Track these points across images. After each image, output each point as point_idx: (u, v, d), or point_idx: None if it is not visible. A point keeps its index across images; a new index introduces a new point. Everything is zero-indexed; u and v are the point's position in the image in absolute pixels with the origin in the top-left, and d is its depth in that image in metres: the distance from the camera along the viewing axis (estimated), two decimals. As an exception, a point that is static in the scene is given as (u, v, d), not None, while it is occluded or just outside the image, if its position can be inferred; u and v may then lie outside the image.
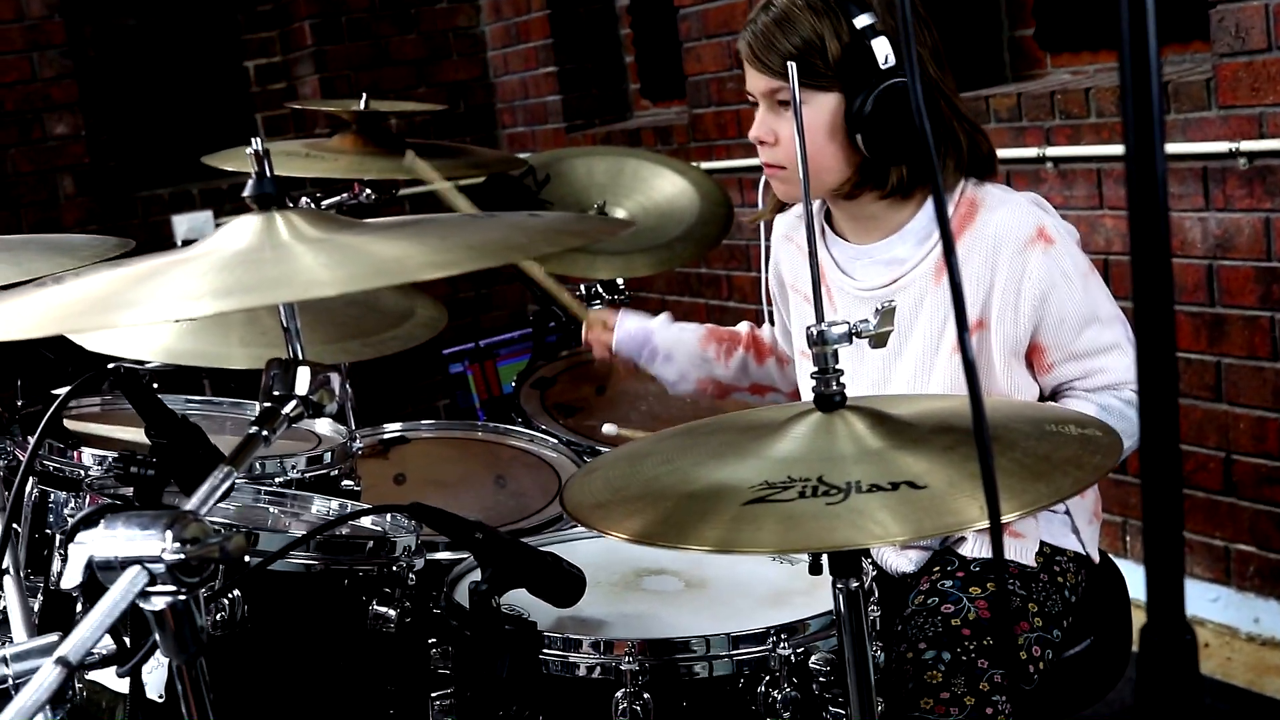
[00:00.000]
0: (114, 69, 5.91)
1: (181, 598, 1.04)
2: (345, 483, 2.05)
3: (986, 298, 1.96)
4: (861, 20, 1.90)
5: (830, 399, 1.36)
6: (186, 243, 5.16)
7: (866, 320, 1.38)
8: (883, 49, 1.90)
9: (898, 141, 1.94)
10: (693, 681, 1.59)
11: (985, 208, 1.98)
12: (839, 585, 1.36)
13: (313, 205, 3.10)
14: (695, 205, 3.18)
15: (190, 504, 1.12)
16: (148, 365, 2.52)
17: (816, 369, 1.37)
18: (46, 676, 0.98)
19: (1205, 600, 3.61)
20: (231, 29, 6.15)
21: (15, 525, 1.75)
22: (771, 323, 2.44)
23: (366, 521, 1.80)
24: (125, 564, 1.04)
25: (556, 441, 2.59)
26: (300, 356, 1.28)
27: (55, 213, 5.60)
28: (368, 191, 3.07)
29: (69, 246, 1.98)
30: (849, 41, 1.92)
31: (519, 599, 1.66)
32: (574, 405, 2.83)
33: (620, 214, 3.21)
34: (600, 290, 3.18)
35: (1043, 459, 1.25)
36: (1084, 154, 3.55)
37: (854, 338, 1.36)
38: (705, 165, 4.78)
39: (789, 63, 1.41)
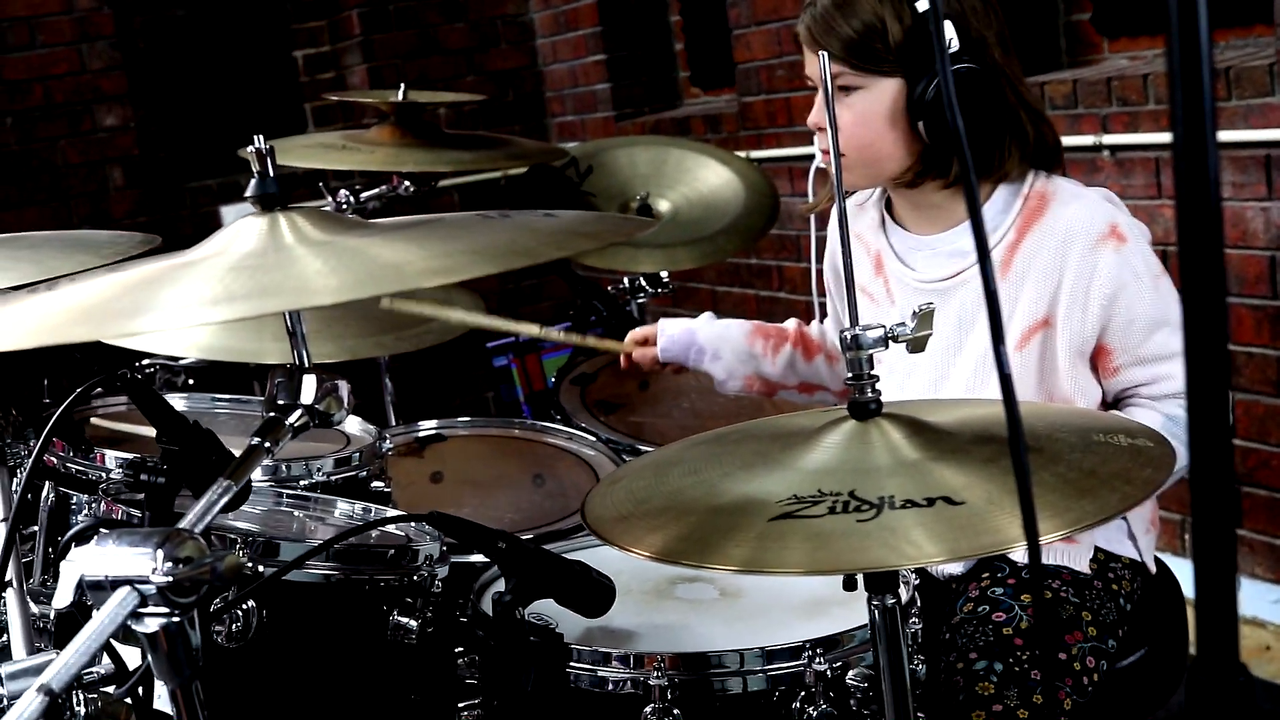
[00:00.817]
0: (163, 60, 5.90)
1: (175, 620, 0.99)
2: (375, 484, 2.00)
3: (1054, 295, 1.88)
4: (924, 3, 1.83)
5: (865, 406, 1.29)
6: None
7: (903, 323, 1.31)
8: (947, 32, 1.83)
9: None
10: (725, 697, 1.53)
11: (1057, 202, 1.90)
12: (874, 602, 1.30)
13: (352, 199, 3.06)
14: (740, 196, 3.11)
15: (185, 521, 1.07)
16: (182, 362, 2.50)
17: (851, 375, 1.30)
18: (28, 706, 0.93)
19: (1267, 601, 3.50)
20: (280, 19, 6.12)
21: (24, 528, 1.72)
22: (823, 316, 2.38)
23: (390, 526, 1.75)
24: (115, 584, 0.99)
25: (595, 439, 2.53)
26: (306, 363, 1.23)
27: (105, 204, 5.60)
28: (406, 184, 3.04)
29: (92, 244, 1.94)
30: (911, 25, 1.85)
31: (547, 607, 1.61)
32: (615, 402, 2.77)
33: (664, 205, 3.15)
34: (644, 284, 3.12)
35: (1089, 473, 1.18)
36: (1142, 142, 3.45)
37: (890, 341, 1.30)
38: (755, 154, 4.71)
39: (822, 53, 1.33)
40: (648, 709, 1.51)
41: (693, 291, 5.33)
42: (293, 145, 3.03)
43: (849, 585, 1.36)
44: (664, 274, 3.13)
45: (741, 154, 4.45)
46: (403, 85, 2.98)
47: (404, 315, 2.35)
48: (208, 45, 6.00)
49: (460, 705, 1.64)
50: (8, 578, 1.34)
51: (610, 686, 1.54)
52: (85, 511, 1.52)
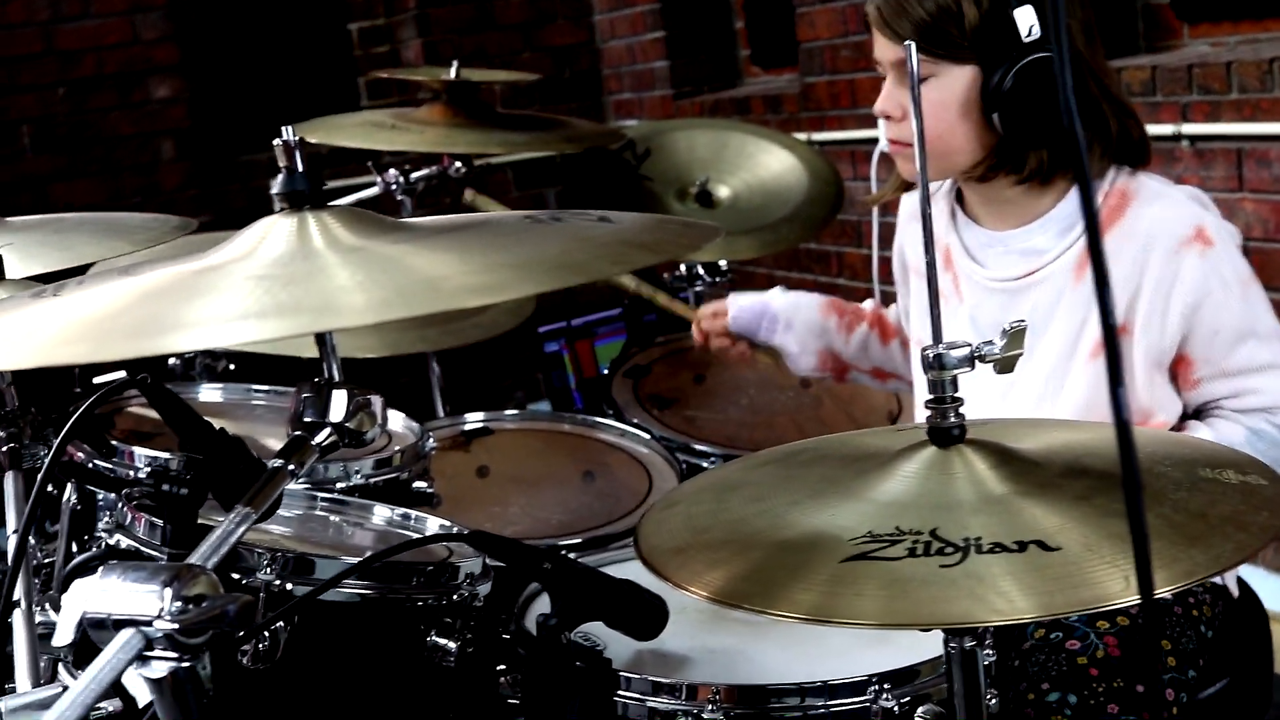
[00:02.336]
0: (216, 31, 5.84)
1: (184, 665, 0.89)
2: (417, 484, 1.90)
3: (1132, 301, 1.76)
4: None
5: (947, 433, 1.18)
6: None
7: (991, 342, 1.19)
8: (1027, 19, 1.71)
9: (1039, 122, 1.74)
10: (781, 731, 1.43)
11: (1138, 201, 1.78)
12: (952, 646, 1.19)
13: (401, 179, 2.97)
14: (803, 183, 3.00)
15: (197, 555, 0.98)
16: (218, 350, 2.42)
17: (932, 396, 1.19)
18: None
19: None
20: (336, -10, 6.05)
21: (50, 525, 1.64)
22: (890, 303, 2.28)
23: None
24: (119, 625, 0.90)
25: (649, 437, 2.43)
26: (336, 378, 1.13)
27: (156, 177, 5.55)
28: (458, 165, 2.94)
29: (125, 228, 1.86)
30: (988, 9, 1.73)
31: (594, 627, 1.51)
32: (669, 397, 2.66)
33: (723, 191, 3.04)
34: (701, 272, 3.02)
35: (1197, 516, 1.06)
36: (1223, 132, 3.31)
37: (977, 361, 1.18)
38: (816, 136, 4.59)
39: (908, 42, 1.22)
40: (700, 743, 1.41)
41: (749, 276, 5.22)
42: (341, 124, 2.94)
43: (926, 627, 1.25)
44: (723, 263, 3.02)
45: (802, 136, 4.33)
46: (455, 63, 2.88)
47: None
48: (261, 17, 5.93)
49: (502, 726, 1.55)
50: (16, 596, 1.26)
51: (661, 718, 1.44)
52: (106, 520, 1.44)
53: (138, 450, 1.73)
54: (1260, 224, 3.28)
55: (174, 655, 0.89)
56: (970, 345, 1.18)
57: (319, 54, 6.03)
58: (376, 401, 1.13)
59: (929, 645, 1.50)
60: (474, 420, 2.49)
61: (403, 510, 1.69)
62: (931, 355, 1.18)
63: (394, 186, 3.00)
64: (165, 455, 1.72)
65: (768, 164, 3.05)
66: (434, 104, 2.88)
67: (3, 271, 1.52)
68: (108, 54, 5.47)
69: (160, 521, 1.41)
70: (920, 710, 1.42)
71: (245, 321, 0.92)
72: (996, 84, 1.74)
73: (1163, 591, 0.97)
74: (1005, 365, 1.20)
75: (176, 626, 0.87)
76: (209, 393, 2.08)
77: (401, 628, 1.44)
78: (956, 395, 1.19)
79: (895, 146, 1.90)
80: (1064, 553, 1.02)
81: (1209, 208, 1.80)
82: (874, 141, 4.47)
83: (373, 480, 1.81)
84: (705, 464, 2.43)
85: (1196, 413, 1.84)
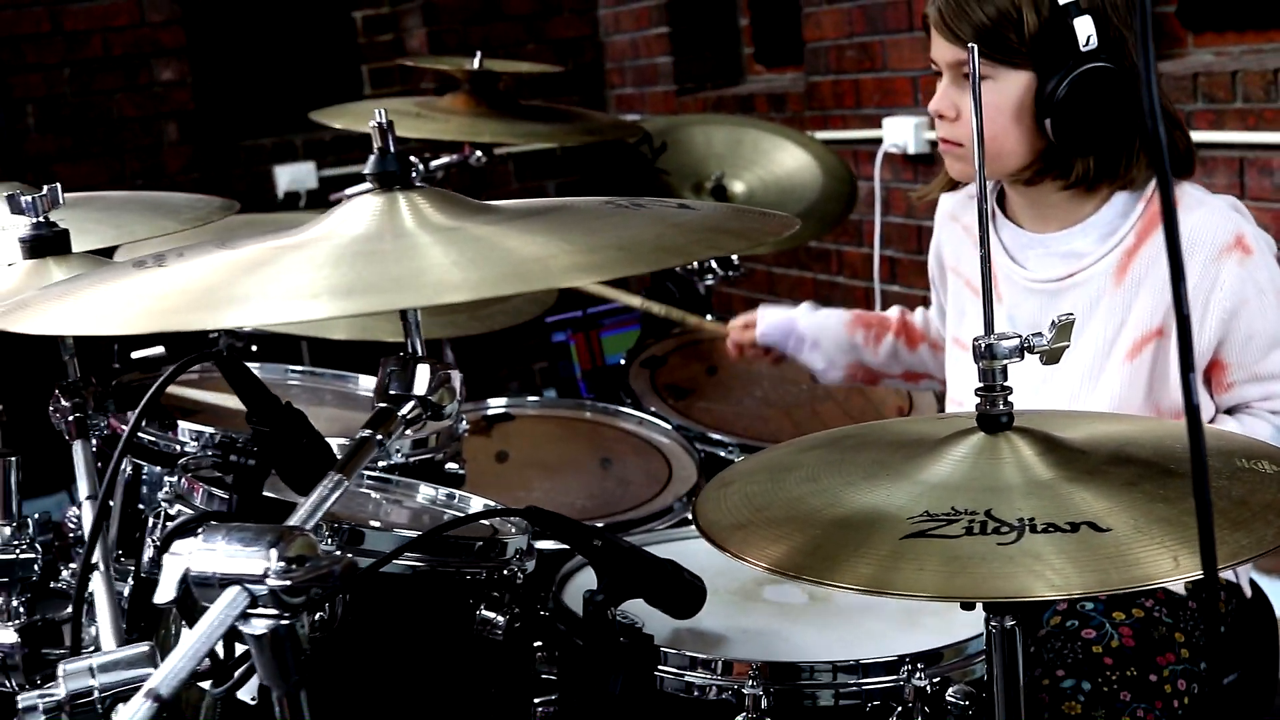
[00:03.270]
0: (221, 16, 5.86)
1: (284, 622, 0.94)
2: (449, 465, 1.95)
3: (1170, 304, 1.81)
4: None
5: (996, 419, 1.23)
6: (289, 195, 5.06)
7: (1040, 334, 1.24)
8: (1085, 29, 1.76)
9: (1089, 131, 1.79)
10: (818, 709, 1.47)
11: (1181, 208, 1.82)
12: (993, 624, 1.24)
13: (421, 166, 3.01)
14: (818, 181, 3.05)
15: (296, 518, 1.02)
16: (245, 330, 2.45)
17: (982, 385, 1.24)
18: (136, 712, 0.88)
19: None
20: (341, -22, 6.08)
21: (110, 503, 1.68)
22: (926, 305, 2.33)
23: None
24: (225, 583, 0.94)
25: (668, 426, 2.47)
26: (420, 352, 1.17)
27: (159, 159, 5.57)
28: (478, 154, 2.98)
29: (171, 207, 1.89)
30: (1048, 17, 1.77)
31: (632, 606, 1.55)
32: (685, 387, 2.71)
33: (738, 187, 3.09)
34: (714, 265, 3.06)
35: (1239, 503, 1.11)
36: (1227, 140, 3.36)
37: (1026, 352, 1.23)
38: (820, 135, 4.64)
39: (970, 45, 1.26)
40: (739, 718, 1.45)
41: (749, 272, 5.27)
42: (365, 110, 2.97)
43: (967, 605, 1.30)
44: (734, 257, 3.07)
45: (806, 134, 4.38)
46: (478, 53, 2.92)
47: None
48: (266, 3, 5.95)
49: (536, 701, 1.59)
50: (95, 560, 1.30)
51: (700, 693, 1.48)
52: (165, 489, 1.48)
53: (184, 424, 1.77)
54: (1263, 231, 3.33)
55: (276, 613, 0.94)
56: (1020, 336, 1.23)
57: (323, 41, 6.06)
58: (456, 377, 1.18)
59: (959, 629, 1.55)
60: (496, 405, 2.54)
61: (446, 490, 1.73)
62: (983, 345, 1.23)
63: (414, 174, 3.03)
64: (209, 430, 1.76)
65: (782, 160, 3.10)
66: (456, 94, 2.92)
67: (69, 245, 1.56)
68: (114, 36, 5.48)
69: (219, 492, 1.45)
70: (951, 690, 1.47)
71: (348, 297, 0.96)
72: (1051, 91, 1.78)
73: (1223, 568, 1.02)
74: (1052, 356, 1.24)
75: (287, 583, 0.91)
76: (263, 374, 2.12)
77: (452, 601, 1.48)
78: (1006, 384, 1.24)
79: (946, 145, 1.93)
80: (1114, 534, 1.07)
81: (1247, 217, 1.85)
82: (877, 141, 4.52)
83: (411, 459, 1.86)
84: (722, 453, 2.48)
85: (1228, 412, 1.89)
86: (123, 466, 1.60)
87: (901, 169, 4.44)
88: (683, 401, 2.67)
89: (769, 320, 2.37)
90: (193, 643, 0.91)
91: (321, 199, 5.65)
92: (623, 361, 2.79)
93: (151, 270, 1.06)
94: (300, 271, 1.01)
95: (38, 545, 1.58)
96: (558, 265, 0.94)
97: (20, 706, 1.09)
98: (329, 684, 1.42)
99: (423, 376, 1.14)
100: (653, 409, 2.56)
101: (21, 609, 1.58)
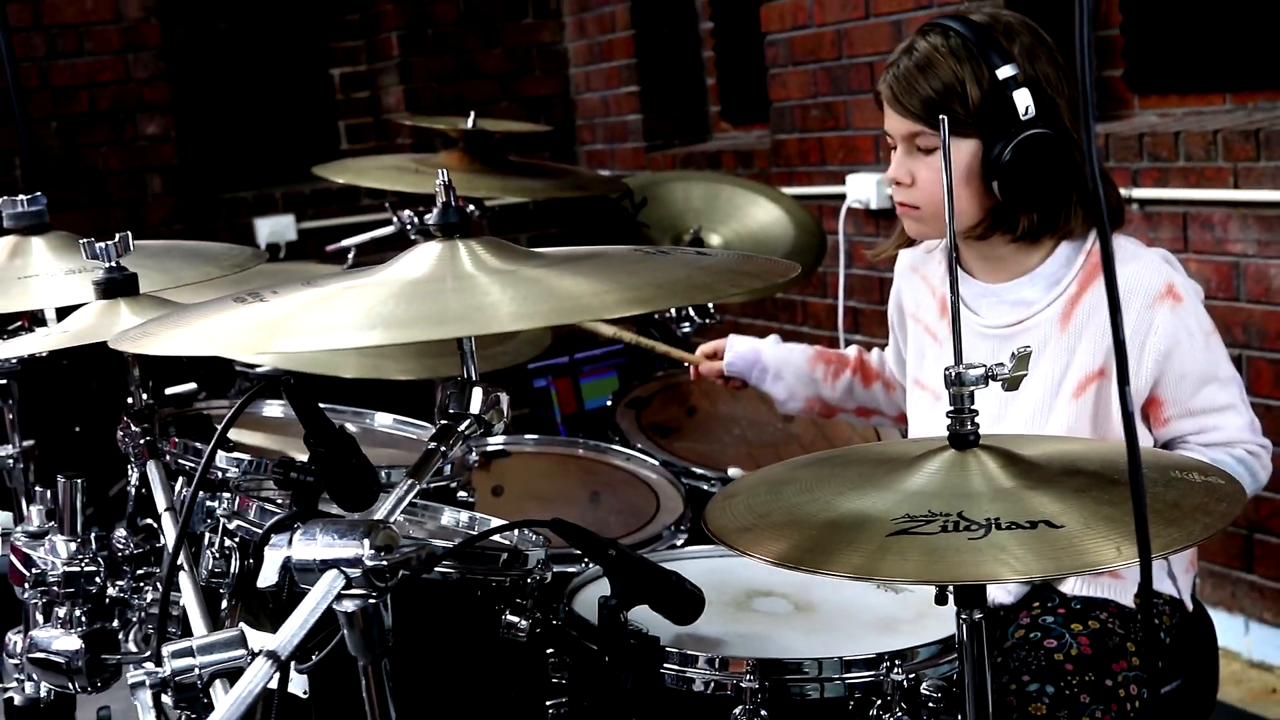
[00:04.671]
0: (204, 72, 6.04)
1: (372, 601, 1.11)
2: (460, 494, 2.12)
3: (1111, 348, 2.00)
4: (1004, 71, 1.95)
5: (965, 438, 1.42)
6: (269, 247, 5.22)
7: (1003, 364, 1.43)
8: (1023, 100, 1.95)
9: (1031, 190, 1.99)
10: (804, 702, 1.65)
11: (1118, 260, 2.02)
12: (964, 616, 1.42)
13: (416, 219, 3.19)
14: (789, 234, 3.25)
15: (380, 513, 1.20)
16: (258, 369, 2.62)
17: (953, 408, 1.43)
18: (259, 669, 1.05)
19: (1274, 646, 3.63)
20: (318, 37, 6.27)
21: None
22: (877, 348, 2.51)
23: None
24: (325, 567, 1.11)
25: (655, 462, 2.65)
26: (475, 377, 1.35)
27: (143, 211, 5.70)
28: (471, 207, 3.16)
29: (210, 255, 2.07)
30: (989, 89, 1.97)
31: (637, 614, 1.72)
32: (669, 426, 2.90)
33: (715, 239, 3.28)
34: (691, 313, 3.25)
35: (1173, 505, 1.31)
36: (1171, 197, 3.58)
37: (990, 380, 1.42)
38: (786, 191, 4.83)
39: (940, 116, 1.46)
40: (737, 710, 1.63)
41: (719, 321, 5.46)
42: (367, 166, 3.16)
43: (940, 600, 1.48)
44: (710, 306, 3.26)
45: (778, 190, 4.59)
46: (472, 113, 3.11)
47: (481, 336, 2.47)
48: (247, 60, 6.14)
49: (549, 703, 1.77)
50: (179, 562, 1.46)
51: (700, 686, 1.66)
52: (223, 505, 1.64)
53: (221, 452, 1.93)
54: (1203, 283, 3.54)
55: (363, 593, 1.11)
56: (985, 365, 1.42)
57: (302, 98, 6.25)
58: (504, 399, 1.36)
59: (931, 633, 1.74)
60: (494, 443, 2.71)
61: (468, 513, 1.91)
62: (953, 373, 1.42)
63: (409, 226, 3.21)
64: (245, 457, 1.92)
65: (755, 215, 3.30)
66: (451, 150, 3.11)
67: (138, 288, 1.73)
68: (100, 91, 5.64)
69: (271, 507, 1.62)
70: (925, 684, 1.65)
71: (417, 326, 1.15)
72: (997, 156, 1.98)
73: (1158, 555, 1.21)
74: (1012, 384, 1.43)
75: (383, 564, 1.09)
76: (270, 409, 2.29)
77: (479, 606, 1.65)
78: (973, 408, 1.43)
79: (904, 208, 2.13)
80: (1067, 530, 1.26)
81: (1177, 268, 2.05)
82: (841, 198, 4.74)
83: (429, 485, 2.02)
84: (705, 486, 2.66)
85: (1165, 447, 2.08)
86: (179, 490, 1.76)
87: (864, 223, 4.65)
88: (666, 439, 2.85)
89: (736, 350, 2.54)
90: (303, 615, 1.08)
91: (300, 251, 5.81)
92: (609, 403, 2.97)
93: (251, 304, 1.24)
94: (375, 305, 1.19)
95: (99, 559, 1.75)
96: (610, 300, 1.12)
97: (130, 683, 1.25)
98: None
99: (477, 398, 1.32)
100: (639, 446, 2.74)
101: (84, 618, 1.74)
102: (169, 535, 1.53)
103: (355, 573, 1.10)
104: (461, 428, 1.31)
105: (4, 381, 2.37)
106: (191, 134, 5.91)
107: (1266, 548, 3.59)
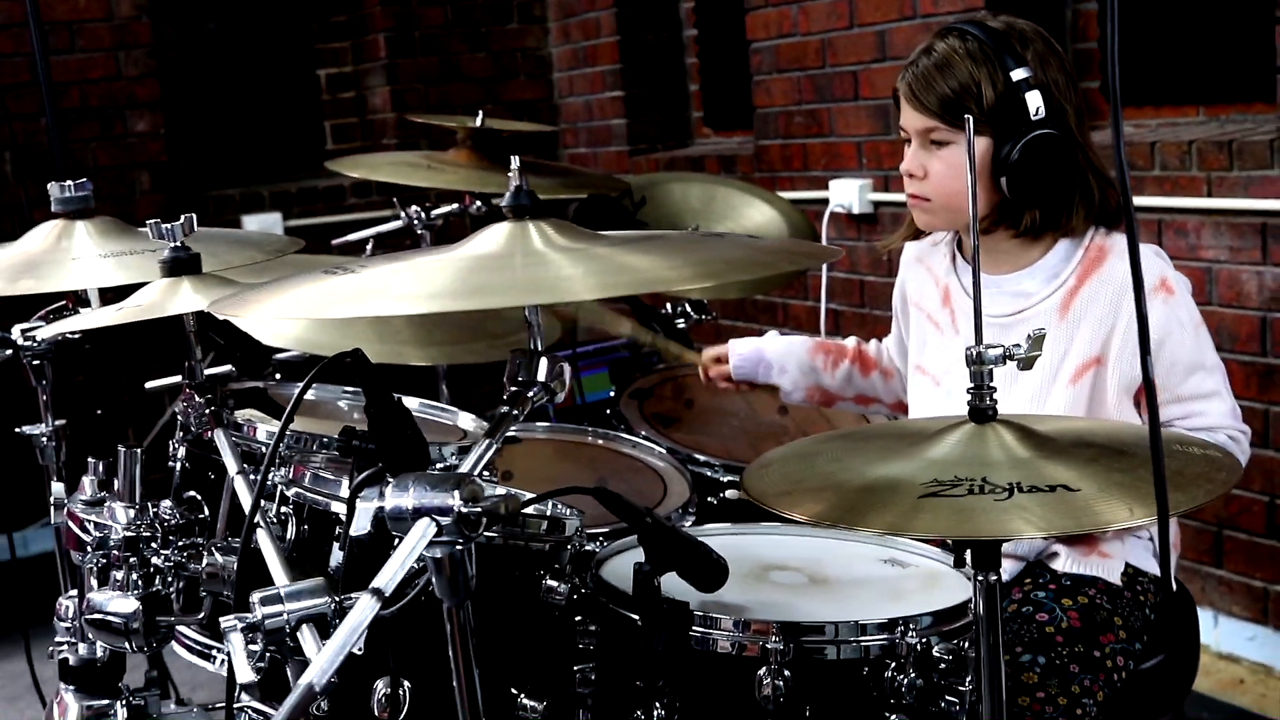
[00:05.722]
0: (194, 71, 6.11)
1: (459, 548, 1.21)
2: (484, 473, 2.21)
3: (1107, 337, 2.13)
4: (1018, 73, 2.08)
5: (984, 412, 1.54)
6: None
7: (1019, 345, 1.56)
8: (1035, 101, 2.08)
9: (1037, 187, 2.11)
10: (825, 662, 1.77)
11: (1114, 255, 2.15)
12: (979, 577, 1.54)
13: (423, 214, 3.29)
14: (784, 235, 3.36)
15: (465, 467, 1.30)
16: (281, 354, 2.71)
17: (973, 385, 1.55)
18: (366, 604, 1.16)
19: (1243, 639, 3.77)
20: (306, 38, 6.35)
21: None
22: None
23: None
24: (417, 515, 1.21)
25: (662, 450, 2.75)
26: (541, 348, 1.46)
27: (130, 207, 5.74)
28: (478, 204, 3.26)
29: (250, 241, 2.17)
30: (1003, 91, 2.09)
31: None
32: (670, 416, 3.01)
33: (712, 238, 3.40)
34: (688, 309, 3.37)
35: (1177, 473, 1.44)
36: (1146, 204, 3.71)
37: (1008, 359, 1.54)
38: (769, 195, 4.97)
39: (965, 116, 1.58)
40: (761, 670, 1.74)
41: (699, 323, 5.57)
42: (381, 162, 3.27)
43: (959, 562, 1.60)
44: (705, 301, 3.38)
45: (774, 193, 4.70)
46: (481, 113, 3.22)
47: (495, 323, 2.58)
48: (235, 59, 6.22)
49: (575, 667, 1.88)
50: (256, 520, 1.56)
51: (726, 647, 1.77)
52: (281, 473, 1.75)
53: (261, 426, 2.03)
54: (1177, 286, 3.69)
55: (450, 540, 1.21)
56: (1003, 346, 1.55)
57: (289, 98, 6.34)
58: (566, 369, 1.47)
59: (938, 602, 1.86)
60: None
61: (504, 487, 2.00)
62: (974, 353, 1.54)
63: (415, 222, 3.32)
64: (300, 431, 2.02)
65: (751, 216, 3.42)
66: (461, 148, 3.21)
67: (200, 267, 1.83)
68: (91, 88, 5.69)
69: (325, 473, 1.72)
70: (937, 647, 1.77)
71: (493, 294, 1.25)
72: (1006, 154, 2.10)
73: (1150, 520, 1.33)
74: (1028, 363, 1.56)
75: (478, 510, 1.19)
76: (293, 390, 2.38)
77: (520, 570, 1.76)
78: (992, 384, 1.55)
79: (914, 200, 2.25)
80: (1083, 493, 1.39)
81: (1168, 262, 2.18)
82: (824, 202, 4.86)
83: (455, 465, 2.13)
84: (709, 473, 2.76)
85: (1155, 432, 2.21)
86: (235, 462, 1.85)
87: (846, 228, 4.78)
88: (669, 429, 2.96)
89: (740, 354, 2.66)
90: (402, 557, 1.19)
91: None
92: (612, 394, 3.08)
93: (339, 275, 1.34)
94: (454, 277, 1.30)
95: (156, 526, 1.84)
96: (684, 273, 1.23)
97: (223, 627, 1.35)
98: (421, 635, 1.69)
99: (544, 367, 1.43)
100: (644, 434, 2.85)
101: (139, 582, 1.84)
102: (243, 497, 1.63)
103: (446, 520, 1.21)
104: (530, 394, 1.42)
105: (38, 363, 2.46)
106: (180, 131, 5.98)
107: (1235, 544, 3.73)
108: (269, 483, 1.76)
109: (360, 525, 1.24)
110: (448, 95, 6.24)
